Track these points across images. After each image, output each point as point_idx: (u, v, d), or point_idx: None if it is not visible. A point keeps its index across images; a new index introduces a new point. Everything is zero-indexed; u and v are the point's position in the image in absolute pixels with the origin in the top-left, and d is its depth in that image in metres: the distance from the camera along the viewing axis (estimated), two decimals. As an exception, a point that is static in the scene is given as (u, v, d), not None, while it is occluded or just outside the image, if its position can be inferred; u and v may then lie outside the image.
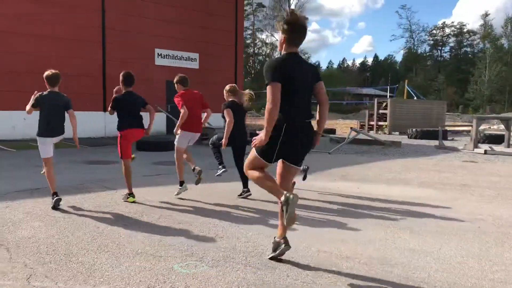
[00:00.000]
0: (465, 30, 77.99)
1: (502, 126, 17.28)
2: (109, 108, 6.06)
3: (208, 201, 6.07)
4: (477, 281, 3.35)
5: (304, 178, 7.16)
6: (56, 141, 5.76)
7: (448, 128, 21.95)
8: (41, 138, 5.61)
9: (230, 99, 6.47)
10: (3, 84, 15.22)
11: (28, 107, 5.59)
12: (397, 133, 23.68)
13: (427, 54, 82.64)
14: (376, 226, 4.92)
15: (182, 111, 6.07)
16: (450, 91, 62.39)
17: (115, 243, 4.14)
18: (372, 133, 23.29)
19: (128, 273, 3.38)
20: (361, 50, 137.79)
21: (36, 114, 5.62)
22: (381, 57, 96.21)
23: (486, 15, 69.71)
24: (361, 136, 16.61)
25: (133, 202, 5.89)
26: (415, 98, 34.90)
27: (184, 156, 6.50)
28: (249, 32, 74.99)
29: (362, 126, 25.78)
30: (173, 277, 3.33)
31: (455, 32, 78.87)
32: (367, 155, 12.68)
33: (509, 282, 3.33)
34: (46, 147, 5.64)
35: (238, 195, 6.39)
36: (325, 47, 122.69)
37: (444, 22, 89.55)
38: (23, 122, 13.20)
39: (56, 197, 5.47)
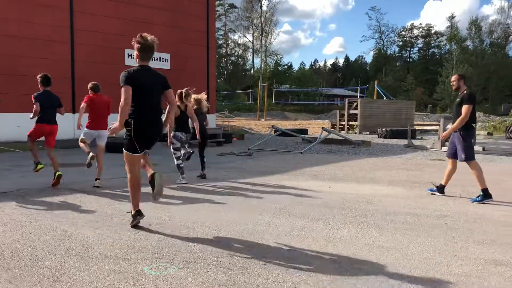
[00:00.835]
0: (432, 31, 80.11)
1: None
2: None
3: (179, 202, 6.03)
4: (442, 275, 3.44)
5: (187, 159, 8.14)
6: None
7: (417, 128, 22.45)
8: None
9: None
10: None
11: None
12: (368, 132, 24.09)
13: (396, 55, 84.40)
14: (346, 224, 4.99)
15: (81, 107, 7.52)
16: (418, 91, 63.79)
17: (83, 246, 4.06)
18: (343, 133, 23.61)
19: (97, 277, 3.32)
20: (332, 51, 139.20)
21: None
22: (352, 58, 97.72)
23: (452, 17, 71.58)
24: (332, 136, 16.83)
25: (41, 168, 7.35)
26: (384, 98, 35.57)
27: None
28: (221, 32, 74.84)
29: (333, 126, 26.10)
30: (143, 279, 3.28)
31: (423, 33, 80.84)
32: (338, 154, 12.84)
33: (473, 276, 3.44)
34: None
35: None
36: (297, 48, 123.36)
37: (413, 24, 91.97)
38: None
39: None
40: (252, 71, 76.62)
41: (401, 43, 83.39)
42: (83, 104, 7.50)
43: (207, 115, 9.20)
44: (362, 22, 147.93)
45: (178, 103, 7.51)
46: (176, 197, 6.41)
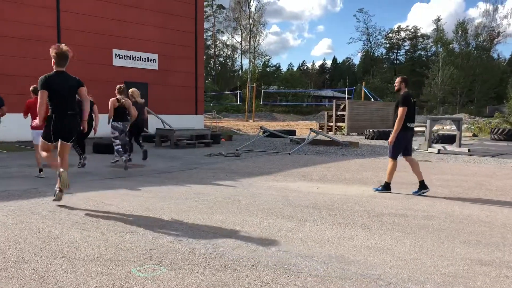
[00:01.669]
0: (419, 34, 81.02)
1: (454, 127, 18.00)
2: None
3: (167, 204, 6.00)
4: (429, 275, 3.48)
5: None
6: None
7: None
8: None
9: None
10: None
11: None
12: (355, 133, 24.23)
13: (384, 57, 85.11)
14: (334, 225, 5.02)
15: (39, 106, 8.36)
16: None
17: (70, 248, 4.01)
18: (331, 134, 23.72)
19: (84, 279, 3.29)
20: (320, 52, 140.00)
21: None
22: (340, 59, 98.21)
23: (438, 20, 72.48)
24: (320, 137, 16.89)
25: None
26: (372, 99, 35.81)
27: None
28: (210, 33, 74.76)
29: (321, 127, 26.20)
30: (130, 281, 3.26)
31: (410, 35, 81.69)
32: (326, 155, 12.89)
33: (459, 276, 3.48)
34: None
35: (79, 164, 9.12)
36: (285, 49, 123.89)
37: (400, 26, 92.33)
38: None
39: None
40: (240, 72, 76.72)
41: (388, 45, 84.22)
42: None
43: (146, 107, 11.34)
44: (350, 24, 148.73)
45: (117, 96, 9.26)
46: (164, 198, 6.38)
